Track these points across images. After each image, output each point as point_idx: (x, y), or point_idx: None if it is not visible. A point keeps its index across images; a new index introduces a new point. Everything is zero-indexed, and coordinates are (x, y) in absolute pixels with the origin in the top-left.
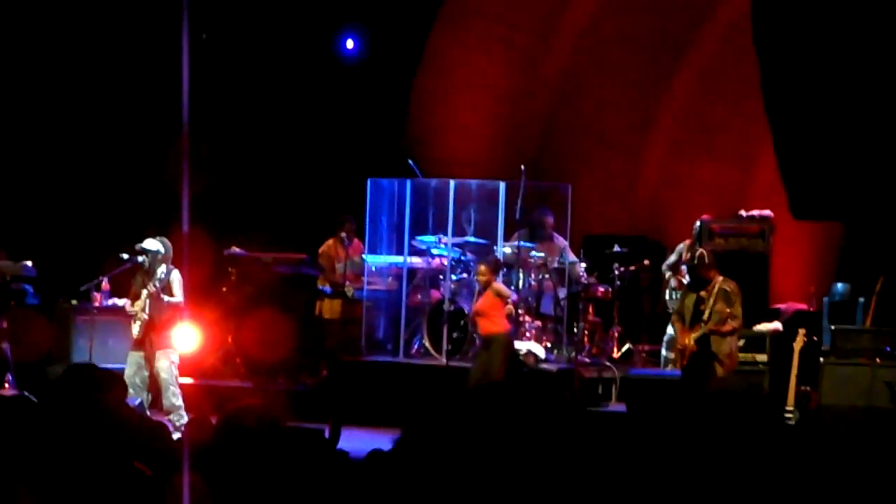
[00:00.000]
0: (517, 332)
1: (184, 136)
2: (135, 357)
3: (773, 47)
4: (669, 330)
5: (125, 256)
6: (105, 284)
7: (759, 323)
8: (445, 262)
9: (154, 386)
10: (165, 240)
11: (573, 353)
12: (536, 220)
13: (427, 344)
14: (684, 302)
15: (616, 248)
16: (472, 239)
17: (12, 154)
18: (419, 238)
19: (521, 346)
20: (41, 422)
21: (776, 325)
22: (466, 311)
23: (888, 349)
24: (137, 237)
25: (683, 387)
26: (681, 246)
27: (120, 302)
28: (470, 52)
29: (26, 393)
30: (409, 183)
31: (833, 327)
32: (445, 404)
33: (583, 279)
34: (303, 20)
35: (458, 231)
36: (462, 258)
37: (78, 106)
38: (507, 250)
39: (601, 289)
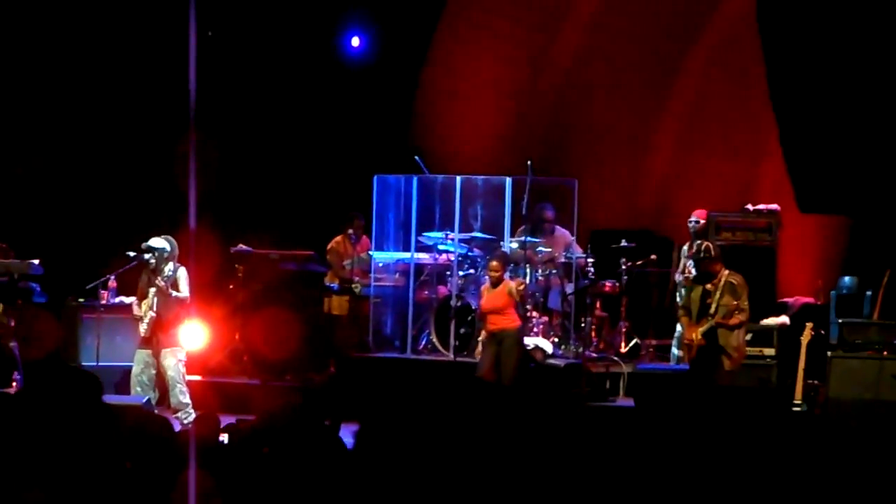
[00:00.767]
0: (525, 327)
1: (190, 134)
2: (142, 355)
3: (778, 41)
4: (679, 328)
5: (132, 254)
6: (112, 282)
7: (767, 317)
8: (452, 258)
9: (161, 384)
10: (171, 238)
11: (581, 349)
12: (536, 215)
13: (434, 340)
14: (691, 296)
15: (623, 243)
16: (478, 235)
17: (19, 153)
18: (426, 234)
19: (529, 341)
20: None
21: (783, 318)
22: (473, 307)
23: None
24: (144, 235)
25: (691, 380)
26: (684, 249)
27: (127, 300)
28: (476, 47)
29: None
30: (415, 179)
31: (840, 321)
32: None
33: (590, 274)
34: (309, 18)
35: (465, 227)
36: (469, 254)
37: (84, 104)
38: (514, 246)
39: (608, 284)
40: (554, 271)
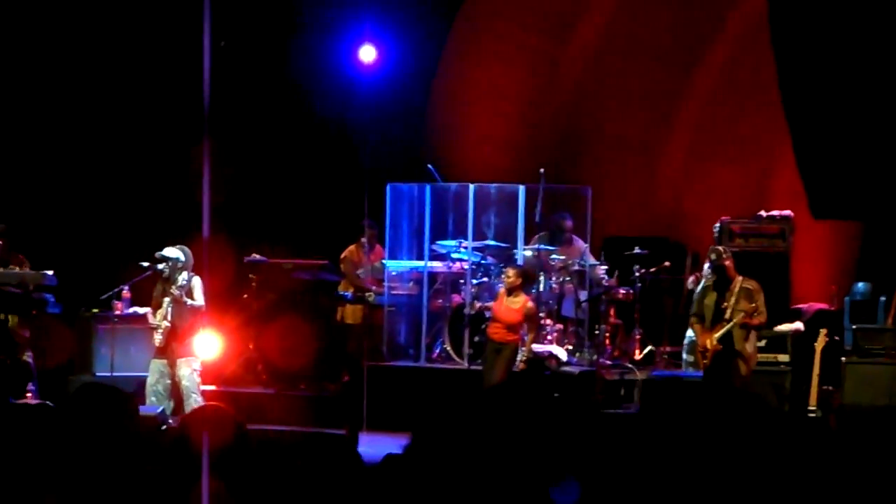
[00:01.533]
0: (538, 335)
1: (205, 144)
2: (157, 365)
3: (790, 47)
4: (689, 333)
5: (145, 265)
6: (126, 293)
7: (781, 323)
8: (466, 267)
9: (176, 394)
10: (185, 247)
11: (595, 356)
12: (555, 224)
13: (448, 348)
14: (704, 302)
15: (637, 251)
16: (492, 243)
17: (33, 164)
18: (439, 242)
19: (543, 349)
20: (62, 432)
21: (798, 325)
22: (487, 315)
23: None
24: (158, 245)
25: (706, 387)
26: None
27: (141, 310)
28: (488, 56)
29: (48, 402)
30: (428, 188)
31: (854, 327)
32: (458, 408)
33: (604, 282)
34: (322, 26)
35: (479, 235)
36: (482, 262)
37: (98, 115)
38: (528, 253)
39: (622, 291)
40: (568, 279)
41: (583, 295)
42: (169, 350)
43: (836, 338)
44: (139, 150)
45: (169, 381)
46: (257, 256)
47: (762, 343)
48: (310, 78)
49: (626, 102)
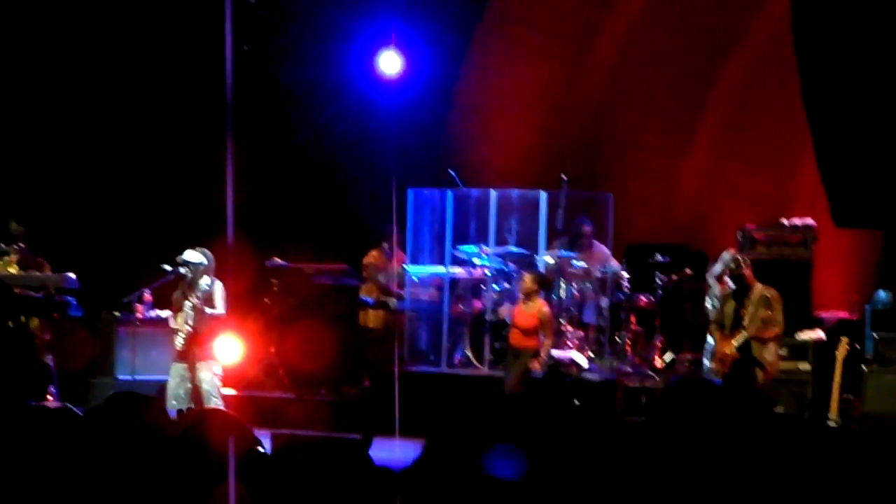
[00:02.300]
0: (559, 341)
1: (227, 147)
2: (178, 369)
3: (813, 54)
4: (709, 339)
5: (168, 268)
6: (147, 296)
7: (802, 331)
8: (487, 272)
9: (197, 397)
10: (207, 251)
11: (616, 363)
12: (575, 230)
13: (469, 354)
14: (724, 310)
15: (658, 258)
16: (513, 249)
17: (56, 167)
18: (461, 248)
19: (564, 355)
20: (84, 437)
21: (819, 333)
22: (508, 322)
23: None
24: (179, 248)
25: (723, 395)
26: (725, 255)
27: (163, 314)
28: (511, 61)
29: (69, 405)
30: (450, 193)
31: (876, 335)
32: (476, 413)
33: (626, 288)
34: (343, 30)
35: (500, 241)
36: (504, 268)
37: (120, 118)
38: (549, 260)
39: (643, 298)
40: (589, 285)
41: (604, 302)
42: (190, 353)
43: (858, 346)
44: (161, 152)
45: (190, 385)
46: (278, 261)
47: (784, 352)
48: (334, 83)
49: (648, 109)
